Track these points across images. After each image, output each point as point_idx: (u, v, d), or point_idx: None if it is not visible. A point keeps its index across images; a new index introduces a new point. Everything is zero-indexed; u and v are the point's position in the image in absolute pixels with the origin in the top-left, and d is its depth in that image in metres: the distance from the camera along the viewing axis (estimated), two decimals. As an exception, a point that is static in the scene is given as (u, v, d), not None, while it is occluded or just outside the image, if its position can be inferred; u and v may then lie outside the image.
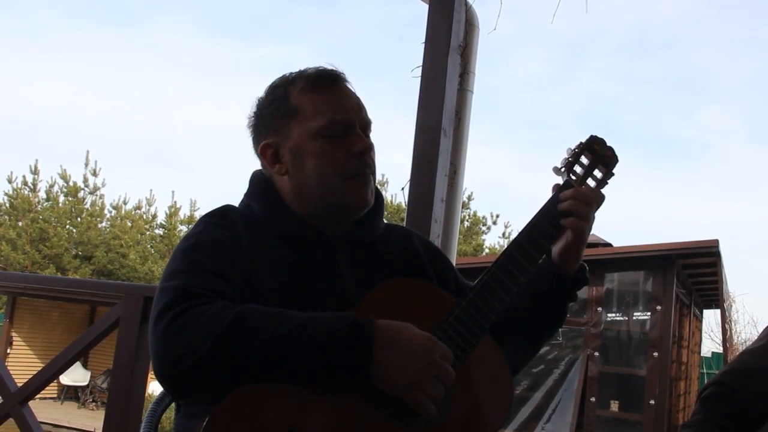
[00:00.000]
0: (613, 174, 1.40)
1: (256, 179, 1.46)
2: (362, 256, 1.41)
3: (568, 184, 1.37)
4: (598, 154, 1.39)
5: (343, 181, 1.36)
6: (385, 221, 1.53)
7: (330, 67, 1.43)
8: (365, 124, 1.42)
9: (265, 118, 1.43)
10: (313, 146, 1.37)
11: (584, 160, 1.39)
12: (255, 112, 1.45)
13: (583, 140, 1.40)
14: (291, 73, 1.43)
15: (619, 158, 1.40)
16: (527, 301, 1.42)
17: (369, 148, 1.39)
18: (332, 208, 1.38)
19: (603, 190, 1.40)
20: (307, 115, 1.38)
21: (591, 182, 1.40)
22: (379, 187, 1.50)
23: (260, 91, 1.46)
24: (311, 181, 1.37)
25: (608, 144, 1.40)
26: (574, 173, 1.39)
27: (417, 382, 1.15)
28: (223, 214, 1.38)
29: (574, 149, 1.39)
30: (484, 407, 1.29)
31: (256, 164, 1.49)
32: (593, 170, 1.39)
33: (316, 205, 1.38)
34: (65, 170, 18.98)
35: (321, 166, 1.36)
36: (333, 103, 1.38)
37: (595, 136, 1.40)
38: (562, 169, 1.39)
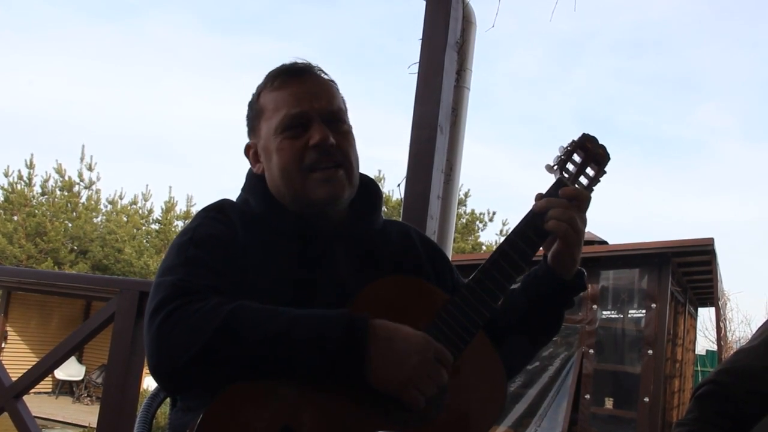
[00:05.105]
0: (605, 172, 1.40)
1: (253, 174, 1.46)
2: (359, 251, 1.40)
3: (560, 182, 1.37)
4: (590, 152, 1.38)
5: (304, 175, 1.36)
6: (384, 217, 1.53)
7: (293, 62, 1.44)
8: (328, 114, 1.39)
9: (247, 120, 1.47)
10: (275, 143, 1.38)
11: (576, 158, 1.38)
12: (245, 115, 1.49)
13: (576, 138, 1.39)
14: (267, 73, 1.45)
15: (611, 156, 1.39)
16: (524, 304, 1.42)
17: (326, 139, 1.35)
18: (303, 203, 1.38)
19: (595, 188, 1.40)
20: (268, 114, 1.40)
21: (583, 180, 1.39)
22: (378, 182, 1.50)
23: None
24: (277, 178, 1.38)
25: (600, 142, 1.39)
26: (567, 171, 1.38)
27: (411, 380, 1.15)
28: (220, 208, 1.38)
29: (567, 147, 1.39)
30: (477, 403, 1.29)
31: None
32: (585, 168, 1.39)
33: (291, 200, 1.39)
34: (61, 165, 18.95)
35: (282, 162, 1.37)
36: (288, 98, 1.39)
37: (588, 134, 1.39)
38: (555, 167, 1.38)
